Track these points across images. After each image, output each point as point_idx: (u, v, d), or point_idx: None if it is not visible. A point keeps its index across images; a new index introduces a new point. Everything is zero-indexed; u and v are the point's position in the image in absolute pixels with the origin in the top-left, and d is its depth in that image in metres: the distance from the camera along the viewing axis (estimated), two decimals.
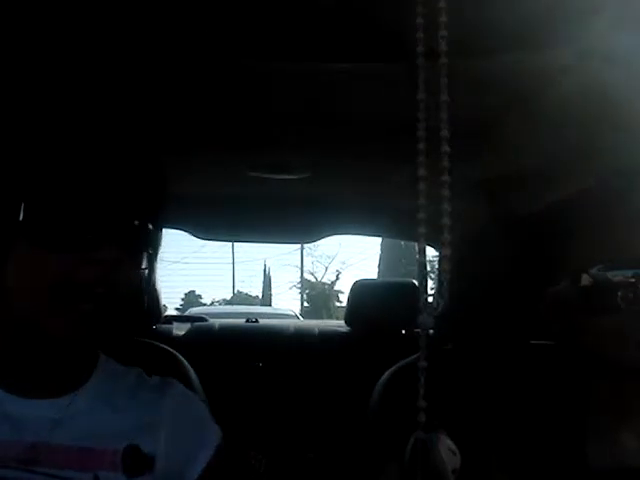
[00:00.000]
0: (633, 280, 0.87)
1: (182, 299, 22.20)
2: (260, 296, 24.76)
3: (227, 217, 2.24)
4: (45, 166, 0.74)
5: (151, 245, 0.82)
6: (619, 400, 0.92)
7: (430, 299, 0.58)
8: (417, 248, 0.57)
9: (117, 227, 0.74)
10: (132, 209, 0.77)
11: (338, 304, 20.96)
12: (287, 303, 24.60)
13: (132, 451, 0.80)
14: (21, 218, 0.72)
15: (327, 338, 2.58)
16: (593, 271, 0.88)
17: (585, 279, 0.89)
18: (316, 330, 2.68)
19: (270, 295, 24.64)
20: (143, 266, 0.81)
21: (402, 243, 15.95)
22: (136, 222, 0.78)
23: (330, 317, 18.40)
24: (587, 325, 0.89)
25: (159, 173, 0.83)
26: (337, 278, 23.93)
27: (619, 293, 0.86)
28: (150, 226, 0.80)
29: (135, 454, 0.80)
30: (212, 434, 0.91)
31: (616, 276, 0.88)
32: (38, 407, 0.78)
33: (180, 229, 2.32)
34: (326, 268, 24.30)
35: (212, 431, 0.91)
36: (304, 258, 23.49)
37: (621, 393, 0.92)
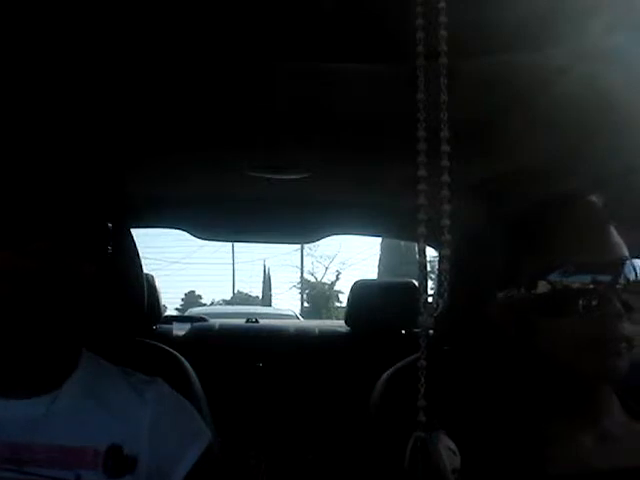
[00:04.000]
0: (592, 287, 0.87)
1: (182, 299, 22.19)
2: (260, 296, 24.74)
3: (227, 217, 2.24)
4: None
5: (109, 243, 0.81)
6: (577, 405, 0.92)
7: (430, 299, 0.58)
8: (417, 248, 0.57)
9: (51, 220, 0.74)
10: (74, 205, 0.76)
11: (338, 304, 20.95)
12: (287, 303, 24.58)
13: (114, 452, 0.79)
14: None
15: (327, 338, 2.58)
16: (551, 277, 0.88)
17: (543, 285, 0.90)
18: (316, 330, 2.68)
19: (270, 295, 24.63)
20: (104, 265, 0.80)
21: (402, 243, 15.93)
22: (81, 217, 0.77)
23: (330, 317, 18.39)
24: (544, 329, 0.90)
25: (110, 172, 0.82)
26: (337, 278, 23.92)
27: (580, 300, 0.86)
28: (109, 225, 0.80)
29: (117, 455, 0.79)
30: (200, 434, 0.89)
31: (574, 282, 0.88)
32: (19, 407, 0.77)
33: (180, 229, 2.32)
34: (326, 268, 24.30)
35: (200, 431, 0.90)
36: (304, 258, 23.50)
37: (578, 398, 0.91)
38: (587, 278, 0.87)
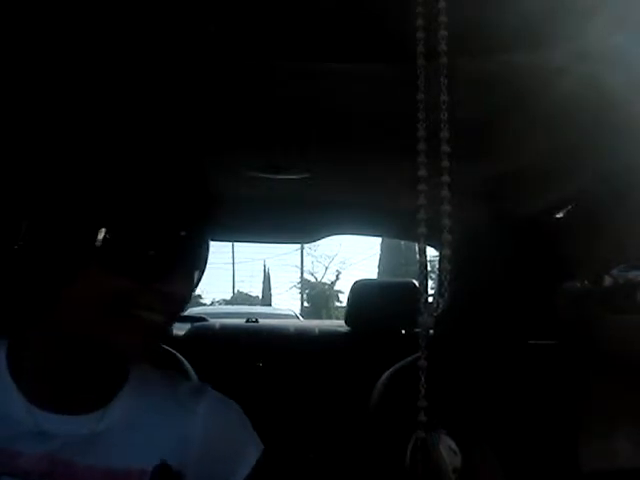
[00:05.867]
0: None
1: None
2: (260, 296, 24.75)
3: (227, 217, 2.23)
4: (118, 193, 0.72)
5: (206, 261, 0.82)
6: (616, 401, 0.91)
7: (430, 299, 0.58)
8: (417, 248, 0.57)
9: (180, 255, 0.73)
10: (196, 233, 0.76)
11: (338, 304, 20.95)
12: (287, 303, 24.60)
13: (161, 470, 0.77)
14: (98, 244, 0.70)
15: (327, 338, 2.58)
16: (613, 271, 0.86)
17: (602, 279, 0.88)
18: (316, 330, 2.69)
19: (270, 295, 24.65)
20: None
21: (402, 243, 15.94)
22: (199, 245, 0.77)
23: (330, 317, 18.39)
24: (598, 325, 0.89)
25: (209, 190, 0.82)
26: (337, 278, 23.93)
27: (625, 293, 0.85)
28: (208, 242, 0.80)
29: (164, 473, 0.77)
30: (251, 447, 0.86)
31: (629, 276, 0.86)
32: (69, 423, 0.76)
33: None
34: (326, 268, 24.31)
35: (251, 443, 0.86)
36: (304, 258, 23.51)
37: (619, 394, 0.91)
38: None
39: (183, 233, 0.74)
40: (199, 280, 0.80)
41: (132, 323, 0.72)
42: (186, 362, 1.72)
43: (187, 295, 0.76)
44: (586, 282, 0.89)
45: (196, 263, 0.78)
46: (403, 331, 2.41)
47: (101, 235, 0.70)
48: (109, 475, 0.75)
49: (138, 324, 0.72)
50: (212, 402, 0.85)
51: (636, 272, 0.85)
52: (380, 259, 21.94)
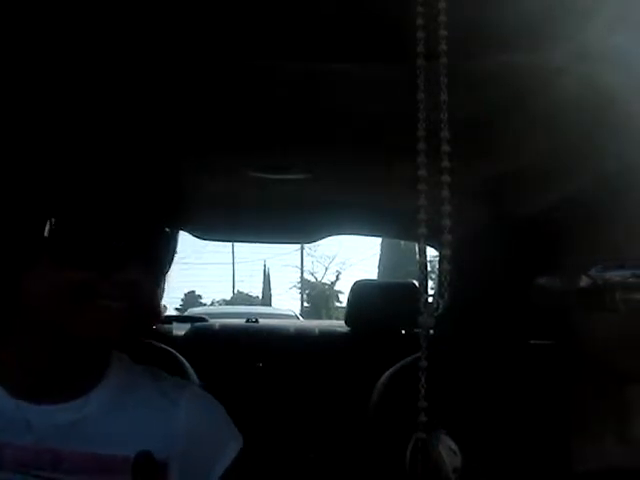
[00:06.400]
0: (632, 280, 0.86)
1: (182, 299, 22.19)
2: (260, 296, 24.75)
3: (227, 217, 2.24)
4: (70, 184, 0.73)
5: (173, 251, 0.82)
6: (608, 402, 0.91)
7: (430, 299, 0.58)
8: (417, 248, 0.57)
9: (140, 244, 0.74)
10: (155, 222, 0.77)
11: (338, 304, 20.95)
12: (287, 303, 24.58)
13: (144, 458, 0.79)
14: (46, 234, 0.72)
15: (327, 338, 2.58)
16: (592, 272, 0.87)
17: (584, 280, 0.88)
18: (316, 330, 2.69)
19: (270, 295, 24.65)
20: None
21: (402, 243, 15.93)
22: (159, 234, 0.78)
23: (330, 317, 18.39)
24: (584, 326, 0.89)
25: (176, 180, 0.82)
26: (337, 278, 23.93)
27: (617, 294, 0.85)
28: (168, 230, 0.80)
29: (147, 461, 0.79)
30: (231, 440, 0.88)
31: (614, 277, 0.87)
32: (50, 412, 0.77)
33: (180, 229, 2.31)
34: (326, 268, 24.31)
35: (232, 437, 0.89)
36: (304, 258, 23.51)
37: (608, 394, 0.91)
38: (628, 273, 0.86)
39: (138, 223, 0.74)
40: (164, 268, 0.80)
41: (94, 311, 0.73)
42: (186, 362, 1.72)
43: (147, 282, 0.76)
44: (574, 280, 0.89)
45: (154, 252, 0.77)
46: (403, 331, 2.42)
47: (48, 226, 0.71)
48: (94, 460, 0.77)
49: (100, 312, 0.73)
50: (194, 396, 0.88)
51: (614, 272, 0.86)
52: (380, 259, 21.94)
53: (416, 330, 0.56)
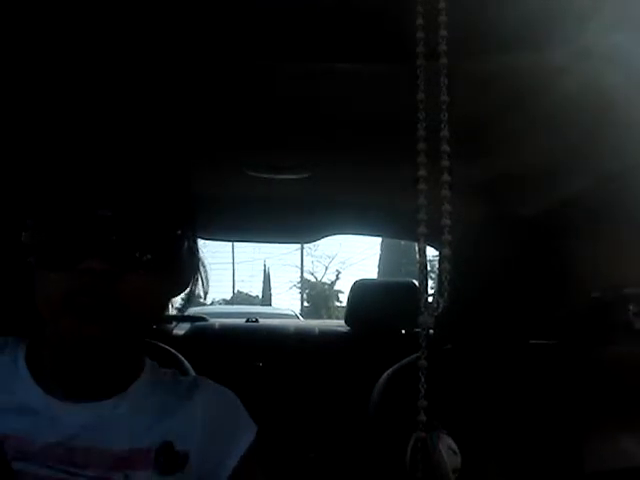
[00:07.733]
0: None
1: (182, 299, 22.12)
2: (260, 296, 24.73)
3: (227, 217, 2.24)
4: (37, 186, 0.76)
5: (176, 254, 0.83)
6: (620, 402, 0.91)
7: (430, 299, 0.58)
8: (417, 248, 0.57)
9: (104, 239, 0.74)
10: (154, 222, 0.78)
11: (338, 304, 20.94)
12: (287, 303, 24.56)
13: (165, 449, 0.82)
14: (23, 240, 0.75)
15: (327, 338, 2.58)
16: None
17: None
18: (316, 330, 2.69)
19: (270, 295, 24.63)
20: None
21: (402, 243, 15.93)
22: (159, 234, 0.79)
23: (330, 317, 18.38)
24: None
25: (173, 180, 0.83)
26: (337, 278, 23.91)
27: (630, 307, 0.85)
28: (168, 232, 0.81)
29: (168, 452, 0.82)
30: (246, 429, 0.91)
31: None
32: (82, 411, 0.80)
33: None
34: (326, 268, 24.28)
35: (246, 426, 0.92)
36: (304, 258, 23.48)
37: (624, 395, 0.91)
38: None
39: (96, 212, 0.75)
40: (165, 268, 0.81)
41: (77, 311, 0.74)
42: (186, 362, 1.72)
43: (138, 282, 0.76)
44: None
45: (116, 241, 0.76)
46: (403, 331, 2.42)
47: (31, 232, 0.75)
48: (119, 455, 0.80)
49: (80, 311, 0.74)
50: (209, 390, 0.92)
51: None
52: (380, 259, 21.93)
53: (416, 329, 0.56)
